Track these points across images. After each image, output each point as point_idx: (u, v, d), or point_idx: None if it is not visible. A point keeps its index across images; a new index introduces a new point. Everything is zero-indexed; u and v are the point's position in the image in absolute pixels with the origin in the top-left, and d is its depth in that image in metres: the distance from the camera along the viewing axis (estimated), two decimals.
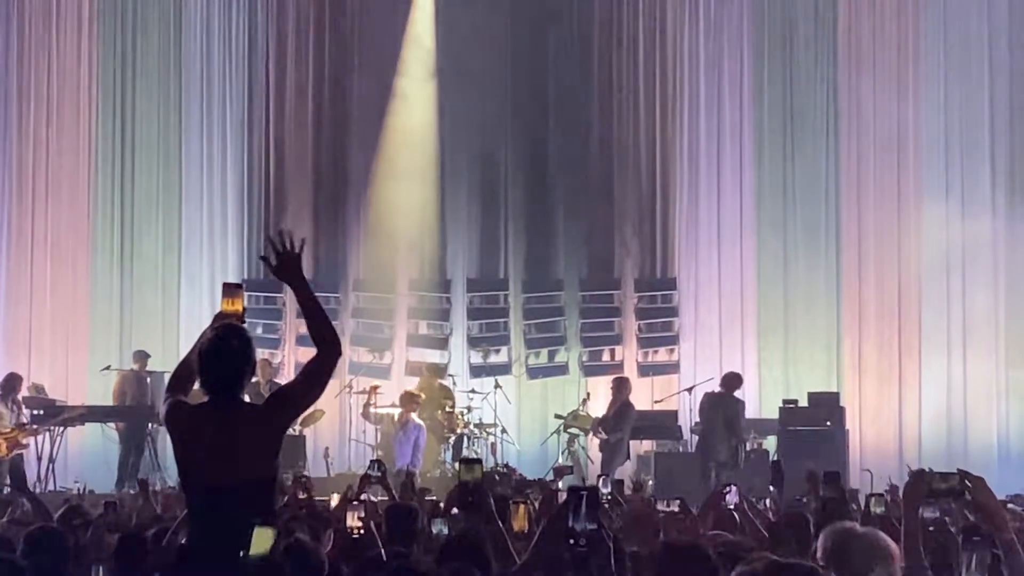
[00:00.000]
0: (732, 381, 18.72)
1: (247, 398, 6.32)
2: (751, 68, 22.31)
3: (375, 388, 20.12)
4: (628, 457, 19.26)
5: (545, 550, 5.60)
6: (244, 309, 6.35)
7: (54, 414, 19.23)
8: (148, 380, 20.12)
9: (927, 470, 5.73)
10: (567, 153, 22.43)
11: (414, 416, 18.95)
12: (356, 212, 22.38)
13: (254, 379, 6.50)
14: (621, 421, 18.95)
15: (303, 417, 16.67)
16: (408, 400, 19.19)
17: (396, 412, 19.33)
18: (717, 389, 18.71)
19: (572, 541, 5.20)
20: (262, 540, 5.62)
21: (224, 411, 6.14)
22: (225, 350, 6.15)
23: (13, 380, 18.97)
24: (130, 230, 22.37)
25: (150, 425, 19.32)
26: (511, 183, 22.60)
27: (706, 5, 22.28)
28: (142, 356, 20.49)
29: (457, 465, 18.70)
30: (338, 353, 6.18)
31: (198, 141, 22.48)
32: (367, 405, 19.79)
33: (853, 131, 22.06)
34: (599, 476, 13.51)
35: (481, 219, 22.72)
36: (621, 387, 19.44)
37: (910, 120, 21.92)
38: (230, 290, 6.40)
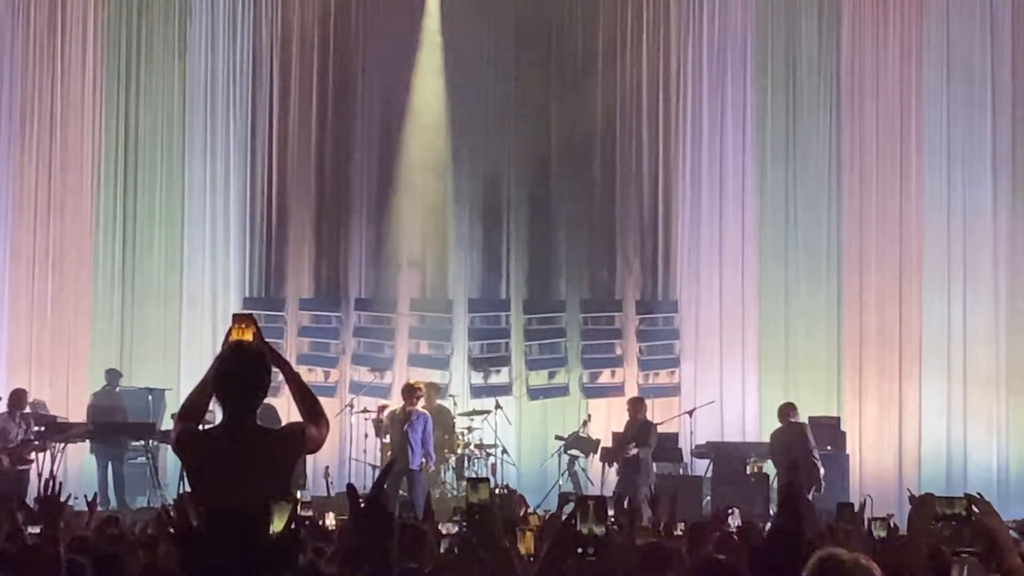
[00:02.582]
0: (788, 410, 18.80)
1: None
2: (754, 92, 22.33)
3: (383, 408, 20.05)
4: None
5: (555, 562, 5.61)
6: (256, 338, 6.34)
7: (58, 431, 19.26)
8: (150, 397, 20.27)
9: (933, 495, 5.74)
10: (570, 174, 22.45)
11: (418, 407, 18.72)
12: (358, 231, 22.40)
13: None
14: (648, 438, 18.83)
15: None
16: (409, 392, 18.95)
17: (398, 408, 19.13)
18: (779, 425, 18.69)
19: (581, 550, 5.22)
20: None
21: (238, 433, 6.14)
22: (244, 368, 6.16)
23: (18, 395, 19.00)
24: (132, 247, 22.40)
25: (152, 442, 19.32)
26: (514, 204, 22.61)
27: (710, 31, 22.31)
28: (115, 375, 20.57)
29: (461, 485, 18.85)
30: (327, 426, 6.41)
31: (201, 158, 22.51)
32: (379, 423, 19.58)
33: (855, 156, 22.07)
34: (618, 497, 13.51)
35: (483, 240, 22.72)
36: (638, 407, 19.38)
37: (912, 146, 21.95)
38: (240, 319, 6.40)
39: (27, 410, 19.07)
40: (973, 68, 21.87)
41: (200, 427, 6.31)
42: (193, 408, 6.38)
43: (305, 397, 6.40)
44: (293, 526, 5.80)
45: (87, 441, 19.92)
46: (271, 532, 5.64)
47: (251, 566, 4.55)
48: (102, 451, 19.85)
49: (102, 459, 19.87)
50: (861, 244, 21.95)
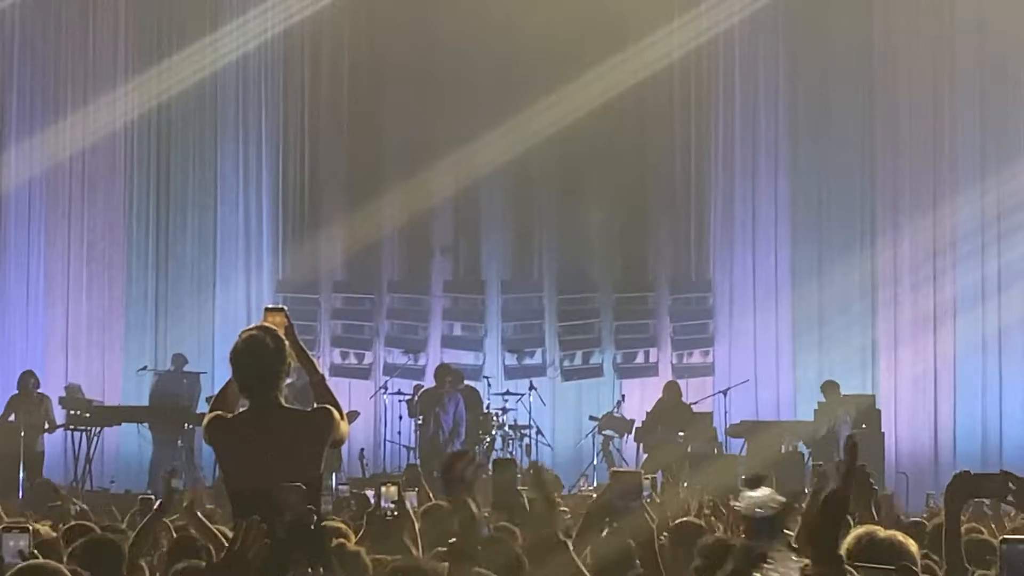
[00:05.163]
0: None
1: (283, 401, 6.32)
2: (786, 68, 22.25)
3: (418, 388, 20.16)
4: None
5: (589, 531, 5.65)
6: (287, 333, 6.33)
7: (105, 415, 19.36)
8: (185, 381, 20.30)
9: (968, 472, 5.71)
10: (601, 153, 22.35)
11: (449, 388, 19.10)
12: (391, 213, 22.33)
13: (289, 380, 6.47)
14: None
15: None
16: (443, 374, 19.34)
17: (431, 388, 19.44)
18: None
19: (609, 519, 5.27)
20: None
21: (264, 415, 6.14)
22: (257, 347, 6.16)
23: (25, 378, 19.01)
24: (165, 231, 22.46)
25: (186, 425, 19.37)
26: (545, 184, 22.56)
27: (742, 7, 22.16)
28: (180, 359, 20.63)
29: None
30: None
31: (233, 141, 22.54)
32: (413, 404, 19.80)
33: (889, 132, 21.98)
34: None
35: (515, 220, 22.71)
36: (673, 390, 19.66)
37: (945, 122, 21.82)
38: (270, 314, 6.41)
39: (38, 389, 18.98)
40: (1007, 38, 21.67)
41: (227, 415, 6.31)
42: (224, 399, 6.39)
43: (323, 400, 6.37)
44: (310, 507, 5.82)
45: (120, 425, 19.96)
46: (289, 514, 5.64)
47: (274, 546, 4.55)
48: (161, 434, 19.80)
49: (159, 441, 19.79)
50: (895, 221, 21.86)
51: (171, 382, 20.45)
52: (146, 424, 20.03)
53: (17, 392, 19.01)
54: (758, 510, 4.20)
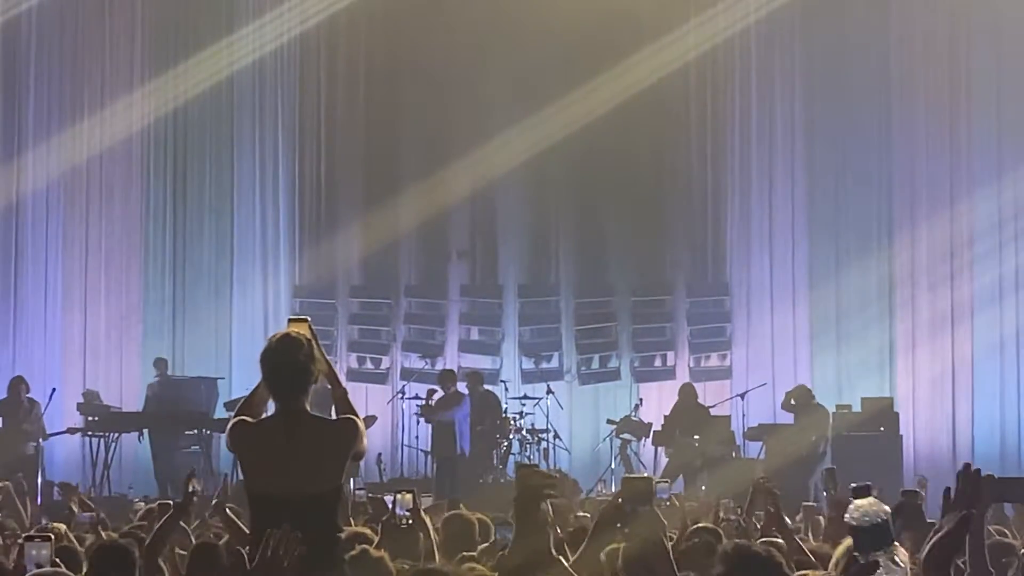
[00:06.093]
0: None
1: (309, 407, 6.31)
2: (803, 69, 22.21)
3: (432, 393, 20.19)
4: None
5: (601, 536, 5.67)
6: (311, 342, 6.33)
7: (112, 421, 19.33)
8: (203, 386, 20.27)
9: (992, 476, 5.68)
10: (617, 156, 22.30)
11: (458, 388, 19.40)
12: (407, 217, 22.32)
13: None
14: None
15: None
16: (447, 378, 19.48)
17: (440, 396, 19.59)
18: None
19: (619, 524, 5.28)
20: None
21: (290, 422, 6.13)
22: (291, 347, 6.15)
23: (15, 383, 18.96)
24: (183, 236, 22.49)
25: (204, 431, 19.33)
26: (562, 187, 22.54)
27: (758, 8, 22.14)
28: (162, 364, 20.55)
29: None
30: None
31: (250, 145, 22.56)
32: (427, 406, 19.85)
33: (905, 131, 21.94)
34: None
35: (532, 224, 22.69)
36: (688, 392, 19.66)
37: (962, 120, 21.79)
38: (294, 324, 6.41)
39: (28, 394, 18.95)
40: (1022, 39, 21.63)
41: (252, 420, 6.29)
42: (250, 403, 6.38)
43: (344, 412, 6.35)
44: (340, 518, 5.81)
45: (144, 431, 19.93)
46: (316, 524, 5.63)
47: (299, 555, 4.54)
48: (158, 441, 19.80)
49: (158, 448, 19.80)
50: (912, 223, 21.83)
51: (166, 388, 20.33)
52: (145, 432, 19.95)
53: (7, 396, 18.99)
54: (865, 519, 4.20)
